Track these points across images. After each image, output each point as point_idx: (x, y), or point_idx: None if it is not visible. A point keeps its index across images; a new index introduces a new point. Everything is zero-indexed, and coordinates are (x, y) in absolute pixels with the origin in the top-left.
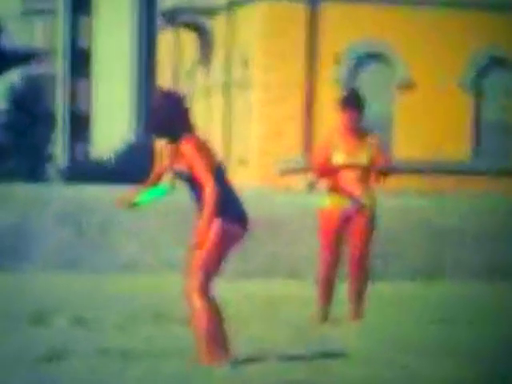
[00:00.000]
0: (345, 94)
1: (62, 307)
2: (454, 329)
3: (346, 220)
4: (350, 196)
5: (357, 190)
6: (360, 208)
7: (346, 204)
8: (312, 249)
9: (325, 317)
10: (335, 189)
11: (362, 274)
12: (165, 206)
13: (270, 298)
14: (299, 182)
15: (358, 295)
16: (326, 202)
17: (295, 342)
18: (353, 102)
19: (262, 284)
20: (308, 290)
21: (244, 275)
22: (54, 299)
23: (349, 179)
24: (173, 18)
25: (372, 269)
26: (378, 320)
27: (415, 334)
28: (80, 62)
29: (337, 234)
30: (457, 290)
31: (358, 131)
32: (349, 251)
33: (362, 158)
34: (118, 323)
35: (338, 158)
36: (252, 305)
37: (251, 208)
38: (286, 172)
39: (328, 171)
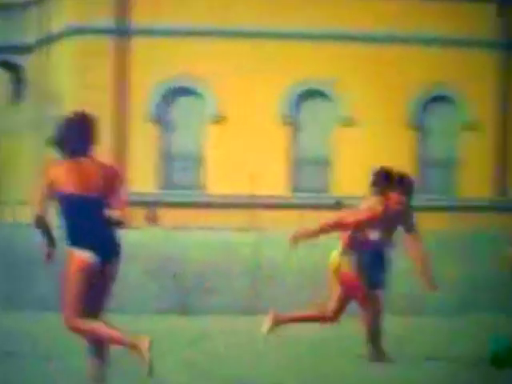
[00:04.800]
0: (405, 179)
1: None
2: (268, 366)
3: None
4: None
5: None
6: None
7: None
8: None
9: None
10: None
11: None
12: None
13: None
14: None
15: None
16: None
17: None
18: (410, 188)
19: None
20: None
21: None
22: None
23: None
24: None
25: (191, 303)
26: (194, 354)
27: (236, 371)
28: None
29: None
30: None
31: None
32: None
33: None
34: None
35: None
36: None
37: None
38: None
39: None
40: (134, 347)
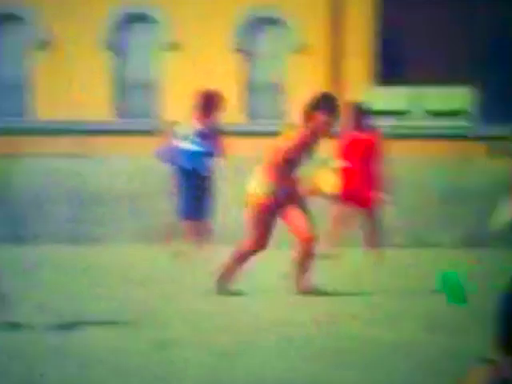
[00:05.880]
0: (328, 97)
1: None
2: (107, 300)
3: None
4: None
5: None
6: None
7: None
8: None
9: None
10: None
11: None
12: None
13: None
14: None
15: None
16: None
17: None
18: (334, 107)
19: None
20: None
21: None
22: None
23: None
24: None
25: (20, 232)
26: (26, 285)
27: (67, 302)
28: None
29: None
30: (124, 252)
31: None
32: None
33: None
34: None
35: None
36: None
37: None
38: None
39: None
40: None
